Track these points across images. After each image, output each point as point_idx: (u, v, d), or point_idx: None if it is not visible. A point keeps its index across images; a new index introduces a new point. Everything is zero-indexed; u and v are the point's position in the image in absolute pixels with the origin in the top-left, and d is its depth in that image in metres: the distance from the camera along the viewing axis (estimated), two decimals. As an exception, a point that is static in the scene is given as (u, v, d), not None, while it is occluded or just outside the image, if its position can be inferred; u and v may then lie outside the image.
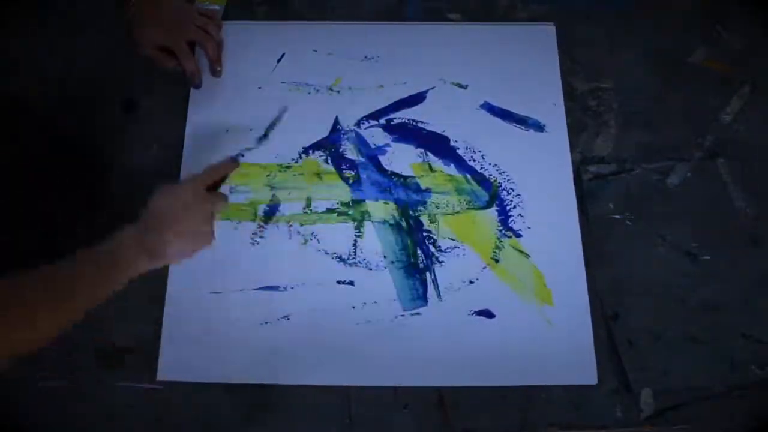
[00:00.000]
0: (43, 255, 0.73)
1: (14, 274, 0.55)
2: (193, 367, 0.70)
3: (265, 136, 0.79)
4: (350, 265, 0.75)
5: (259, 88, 0.84)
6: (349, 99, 0.83)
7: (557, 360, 0.71)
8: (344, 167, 0.80)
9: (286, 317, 0.72)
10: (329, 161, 0.80)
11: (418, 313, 0.72)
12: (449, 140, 0.81)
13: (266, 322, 0.72)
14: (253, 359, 0.70)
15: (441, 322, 0.72)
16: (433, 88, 0.84)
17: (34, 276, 0.57)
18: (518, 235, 0.76)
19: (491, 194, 0.78)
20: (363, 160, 0.80)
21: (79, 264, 0.60)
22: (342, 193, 0.78)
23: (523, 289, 0.74)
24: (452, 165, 0.80)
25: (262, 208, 0.77)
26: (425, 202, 0.78)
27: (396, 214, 0.77)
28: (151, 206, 0.65)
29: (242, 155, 0.75)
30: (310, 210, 0.77)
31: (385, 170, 0.80)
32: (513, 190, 0.78)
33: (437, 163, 0.80)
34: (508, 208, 0.78)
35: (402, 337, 0.71)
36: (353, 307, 0.73)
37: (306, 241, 0.76)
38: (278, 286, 0.73)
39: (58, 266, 0.59)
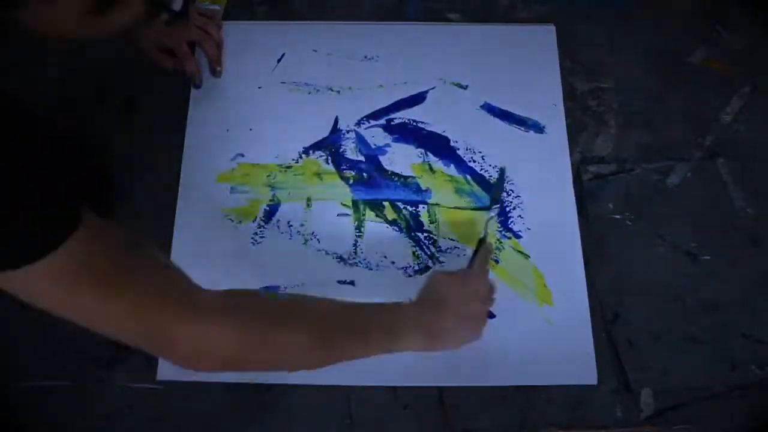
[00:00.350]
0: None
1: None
2: (193, 367, 0.70)
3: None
4: (350, 265, 0.75)
5: (259, 88, 0.84)
6: (349, 99, 0.83)
7: (557, 360, 0.70)
8: (344, 167, 0.80)
9: (286, 317, 0.72)
10: (329, 161, 0.80)
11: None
12: (449, 140, 0.81)
13: (266, 322, 0.72)
14: (254, 359, 0.70)
15: (441, 322, 0.72)
16: (433, 88, 0.84)
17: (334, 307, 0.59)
18: (518, 236, 0.76)
19: (493, 196, 0.78)
20: (363, 160, 0.80)
21: (367, 319, 0.60)
22: (342, 193, 0.78)
23: (523, 290, 0.74)
24: (452, 165, 0.80)
25: (262, 208, 0.77)
26: (425, 202, 0.78)
27: (396, 214, 0.77)
28: (433, 287, 0.64)
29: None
30: (310, 210, 0.77)
31: (385, 170, 0.80)
32: (513, 191, 0.78)
33: (437, 163, 0.80)
34: (508, 208, 0.78)
35: (402, 337, 0.71)
36: (353, 307, 0.73)
37: (306, 241, 0.76)
38: (278, 286, 0.73)
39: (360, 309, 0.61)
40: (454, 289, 0.64)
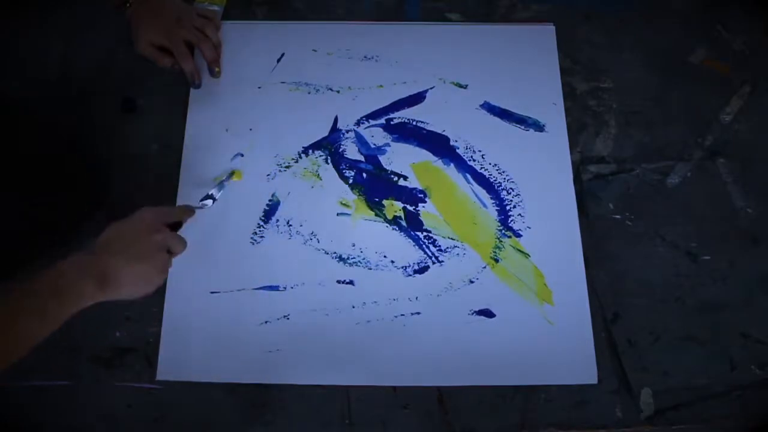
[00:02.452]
0: (43, 255, 0.73)
1: None
2: (193, 367, 0.70)
3: (212, 197, 0.75)
4: (350, 264, 0.75)
5: (259, 88, 0.84)
6: (349, 99, 0.83)
7: (557, 360, 0.71)
8: (344, 167, 0.80)
9: (286, 317, 0.72)
10: (329, 161, 0.80)
11: (418, 313, 0.72)
12: (449, 140, 0.81)
13: (266, 322, 0.72)
14: (253, 359, 0.70)
15: (441, 322, 0.72)
16: (432, 87, 0.84)
17: None
18: (518, 235, 0.76)
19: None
20: (362, 159, 0.80)
21: (16, 297, 0.56)
22: (341, 192, 0.78)
23: (523, 289, 0.74)
24: (452, 165, 0.80)
25: (262, 208, 0.77)
26: (425, 202, 0.78)
27: (396, 213, 0.77)
28: (101, 235, 0.62)
29: (200, 207, 0.73)
30: (310, 210, 0.77)
31: (385, 170, 0.80)
32: (513, 190, 0.78)
33: (437, 162, 0.80)
34: (508, 208, 0.78)
35: (402, 337, 0.71)
36: (353, 307, 0.73)
37: (306, 241, 0.76)
38: (278, 286, 0.73)
39: None
40: (127, 231, 0.63)
